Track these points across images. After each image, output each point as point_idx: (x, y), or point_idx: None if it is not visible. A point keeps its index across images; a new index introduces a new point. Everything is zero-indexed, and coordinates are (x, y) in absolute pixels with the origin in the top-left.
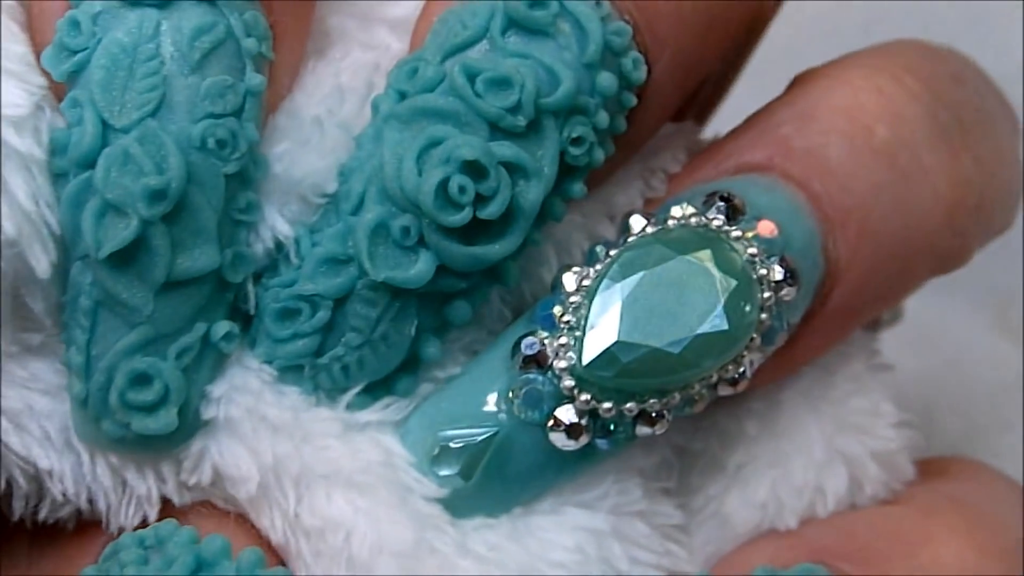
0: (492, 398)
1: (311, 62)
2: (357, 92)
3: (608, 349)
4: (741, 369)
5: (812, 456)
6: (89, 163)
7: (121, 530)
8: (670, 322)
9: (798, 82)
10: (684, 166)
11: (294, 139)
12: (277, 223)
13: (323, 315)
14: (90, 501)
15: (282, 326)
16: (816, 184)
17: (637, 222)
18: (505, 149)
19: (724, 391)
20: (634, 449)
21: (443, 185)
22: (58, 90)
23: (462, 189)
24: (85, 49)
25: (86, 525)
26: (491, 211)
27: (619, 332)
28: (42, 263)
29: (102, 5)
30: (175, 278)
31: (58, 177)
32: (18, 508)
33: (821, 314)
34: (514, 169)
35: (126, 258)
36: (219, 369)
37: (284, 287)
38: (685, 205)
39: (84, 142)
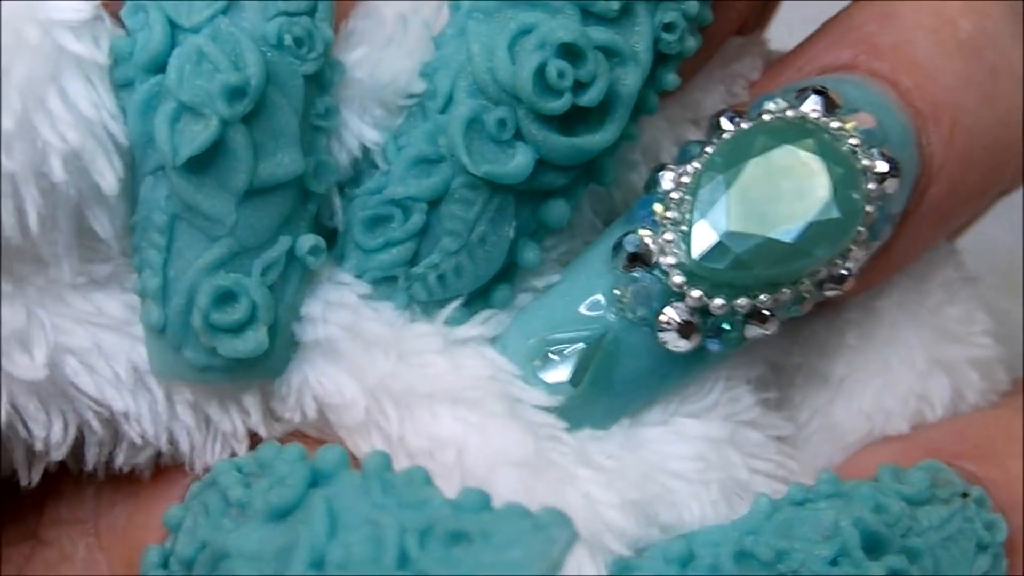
0: (596, 300)
1: None
2: None
3: (719, 241)
4: (848, 265)
5: (914, 365)
6: (158, 66)
7: (207, 469)
8: (780, 210)
9: None
10: (763, 72)
11: (374, 41)
12: (364, 130)
13: (417, 219)
14: (171, 443)
15: (373, 235)
16: (905, 79)
17: (729, 120)
18: (601, 33)
19: (830, 291)
20: (738, 358)
21: (540, 71)
22: (111, 6)
23: (561, 73)
24: None
25: (162, 472)
26: (591, 97)
27: (729, 222)
28: (108, 178)
29: None
30: (258, 185)
31: (121, 88)
32: (92, 457)
33: (916, 213)
34: (610, 54)
35: (205, 164)
36: (306, 287)
37: (372, 194)
38: (778, 100)
39: (152, 45)
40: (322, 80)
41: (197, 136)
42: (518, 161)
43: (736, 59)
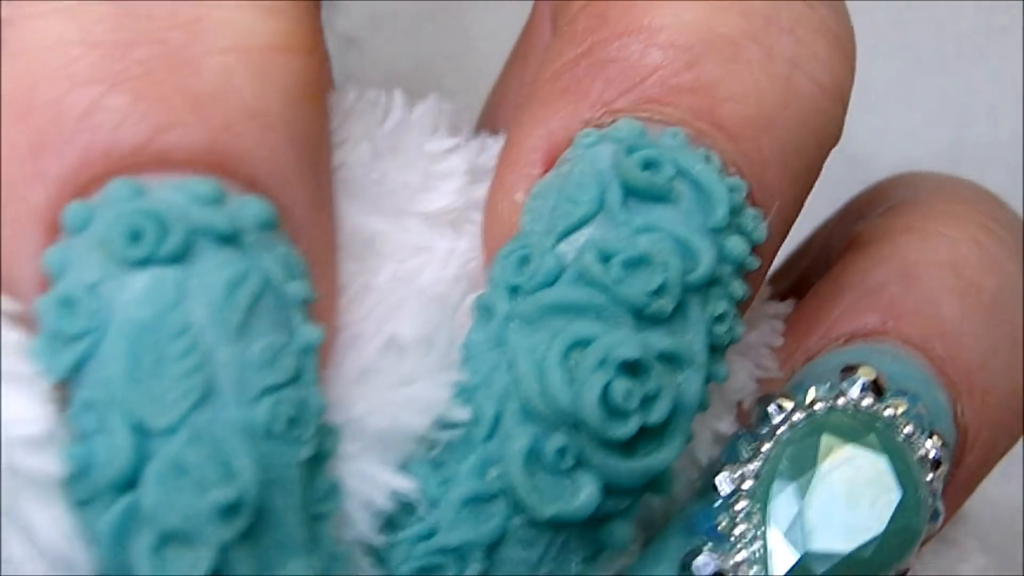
0: None
1: (365, 282)
2: (447, 299)
3: (800, 561)
4: (910, 560)
5: None
6: (128, 484)
7: None
8: (857, 522)
9: (876, 237)
10: (785, 336)
11: (388, 382)
12: (392, 480)
13: (475, 568)
14: None
15: None
16: (939, 347)
17: (779, 409)
18: (659, 339)
19: None
20: None
21: (604, 393)
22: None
23: (628, 394)
24: (89, 333)
25: None
26: (658, 414)
27: (807, 540)
28: None
29: (99, 270)
30: None
31: (82, 507)
32: None
33: (952, 486)
34: (670, 360)
35: None
36: None
37: (418, 541)
38: (826, 385)
39: (116, 459)
40: (319, 456)
41: (191, 570)
42: (585, 494)
43: (752, 328)
